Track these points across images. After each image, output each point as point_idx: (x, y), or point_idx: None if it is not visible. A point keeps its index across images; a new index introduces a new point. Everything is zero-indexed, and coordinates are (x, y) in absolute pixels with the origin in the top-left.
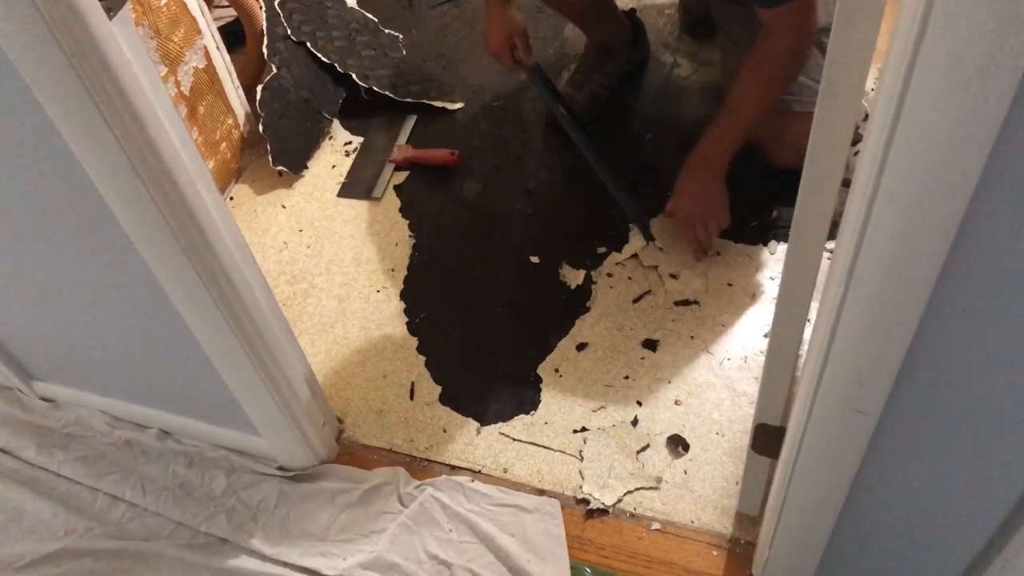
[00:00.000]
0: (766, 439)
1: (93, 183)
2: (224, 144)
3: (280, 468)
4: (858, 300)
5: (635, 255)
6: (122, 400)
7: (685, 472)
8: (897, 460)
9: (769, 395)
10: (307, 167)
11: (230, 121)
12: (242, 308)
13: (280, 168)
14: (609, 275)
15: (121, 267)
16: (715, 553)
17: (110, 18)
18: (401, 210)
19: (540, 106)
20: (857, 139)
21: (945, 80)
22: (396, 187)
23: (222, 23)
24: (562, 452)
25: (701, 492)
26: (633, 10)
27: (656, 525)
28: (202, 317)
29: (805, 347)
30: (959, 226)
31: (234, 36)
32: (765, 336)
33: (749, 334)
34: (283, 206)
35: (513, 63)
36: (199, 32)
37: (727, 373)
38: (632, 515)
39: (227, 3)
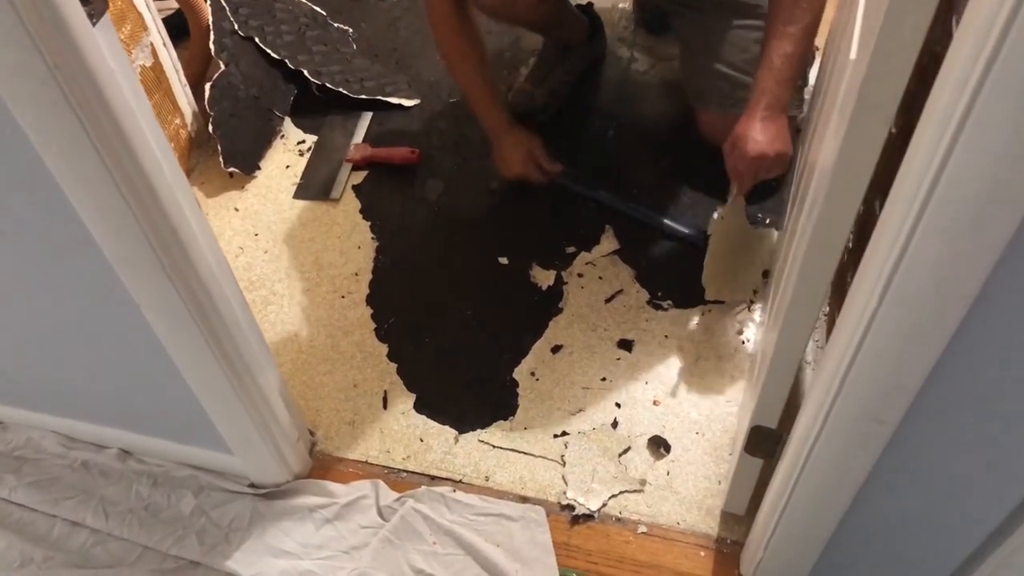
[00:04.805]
0: (761, 441)
1: (67, 198)
2: (172, 145)
3: (252, 485)
4: (894, 312)
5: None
6: (77, 420)
7: (668, 473)
8: (906, 466)
9: (769, 399)
10: (259, 168)
11: (177, 121)
12: (221, 324)
13: (232, 169)
14: (580, 275)
15: (86, 283)
16: (703, 554)
17: (93, 24)
18: (362, 211)
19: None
20: None
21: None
22: (355, 187)
23: (163, 15)
24: (544, 458)
25: (685, 493)
26: (590, 3)
27: (642, 528)
28: (180, 336)
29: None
30: (1011, 238)
31: (176, 29)
32: (738, 334)
33: (722, 331)
34: (236, 209)
35: (543, 177)
36: (145, 28)
37: (702, 371)
38: (618, 519)
39: None
